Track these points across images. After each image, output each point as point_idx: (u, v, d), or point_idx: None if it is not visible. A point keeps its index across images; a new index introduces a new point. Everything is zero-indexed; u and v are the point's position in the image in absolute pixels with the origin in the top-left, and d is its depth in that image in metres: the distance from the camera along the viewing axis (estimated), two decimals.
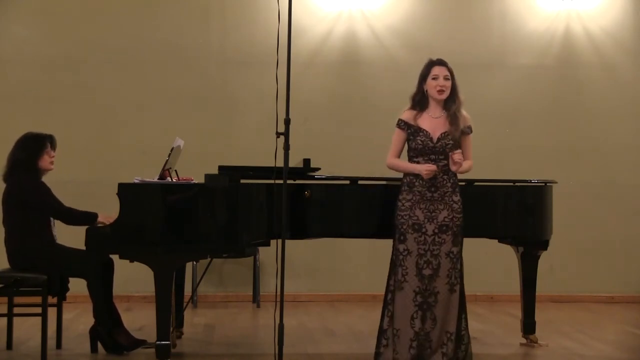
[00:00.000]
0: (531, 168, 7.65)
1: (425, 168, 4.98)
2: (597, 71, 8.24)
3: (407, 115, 5.12)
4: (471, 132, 5.14)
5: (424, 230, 4.99)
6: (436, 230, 4.98)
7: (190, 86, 7.96)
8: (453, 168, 5.01)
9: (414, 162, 5.07)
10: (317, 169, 5.57)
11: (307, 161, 5.55)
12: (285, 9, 4.82)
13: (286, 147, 4.79)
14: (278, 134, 4.80)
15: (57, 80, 7.82)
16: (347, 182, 5.48)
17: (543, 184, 5.75)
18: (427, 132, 5.04)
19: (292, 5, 4.87)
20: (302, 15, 7.87)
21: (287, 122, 4.80)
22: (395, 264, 5.05)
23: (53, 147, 5.54)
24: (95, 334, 5.43)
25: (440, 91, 5.04)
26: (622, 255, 8.21)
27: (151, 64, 7.91)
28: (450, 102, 5.07)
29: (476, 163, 7.64)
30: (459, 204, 5.05)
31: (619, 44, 8.26)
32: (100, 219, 5.39)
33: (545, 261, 6.13)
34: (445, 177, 5.04)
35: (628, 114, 8.27)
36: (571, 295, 8.10)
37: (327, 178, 5.56)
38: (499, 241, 5.92)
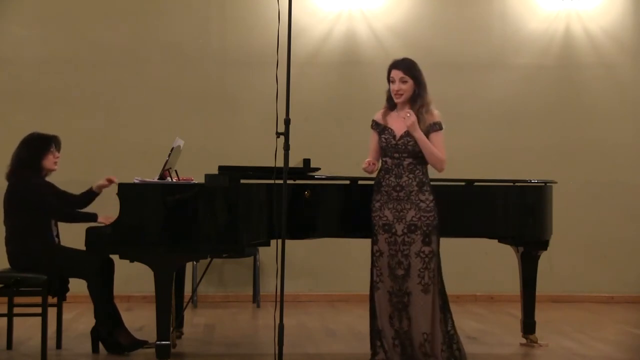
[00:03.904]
0: (531, 168, 7.65)
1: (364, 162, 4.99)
2: (597, 71, 8.24)
3: (378, 115, 5.17)
4: (440, 129, 5.02)
5: (393, 230, 4.98)
6: (405, 230, 4.97)
7: (190, 86, 7.95)
8: (407, 123, 4.91)
9: (382, 160, 5.09)
10: (317, 169, 5.56)
11: (307, 161, 5.55)
12: (285, 9, 4.82)
13: (286, 147, 4.79)
14: (278, 134, 4.80)
15: (57, 80, 7.82)
16: (347, 182, 5.48)
17: (543, 184, 5.75)
18: (391, 130, 5.05)
19: (292, 5, 4.87)
20: (302, 15, 7.87)
21: (287, 122, 4.80)
22: (371, 265, 5.08)
23: (58, 148, 5.54)
24: (96, 335, 5.43)
25: (397, 95, 5.03)
26: (622, 255, 8.20)
27: (151, 64, 7.91)
28: (413, 102, 5.02)
29: (476, 163, 7.72)
30: (428, 202, 4.98)
31: (619, 44, 8.25)
32: (100, 219, 5.39)
33: (545, 261, 6.13)
34: (410, 176, 5.00)
35: (628, 114, 8.27)
36: (571, 295, 8.09)
37: (327, 178, 5.57)
38: (499, 241, 5.91)
